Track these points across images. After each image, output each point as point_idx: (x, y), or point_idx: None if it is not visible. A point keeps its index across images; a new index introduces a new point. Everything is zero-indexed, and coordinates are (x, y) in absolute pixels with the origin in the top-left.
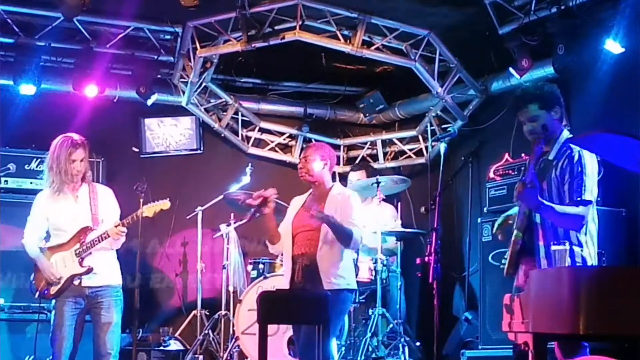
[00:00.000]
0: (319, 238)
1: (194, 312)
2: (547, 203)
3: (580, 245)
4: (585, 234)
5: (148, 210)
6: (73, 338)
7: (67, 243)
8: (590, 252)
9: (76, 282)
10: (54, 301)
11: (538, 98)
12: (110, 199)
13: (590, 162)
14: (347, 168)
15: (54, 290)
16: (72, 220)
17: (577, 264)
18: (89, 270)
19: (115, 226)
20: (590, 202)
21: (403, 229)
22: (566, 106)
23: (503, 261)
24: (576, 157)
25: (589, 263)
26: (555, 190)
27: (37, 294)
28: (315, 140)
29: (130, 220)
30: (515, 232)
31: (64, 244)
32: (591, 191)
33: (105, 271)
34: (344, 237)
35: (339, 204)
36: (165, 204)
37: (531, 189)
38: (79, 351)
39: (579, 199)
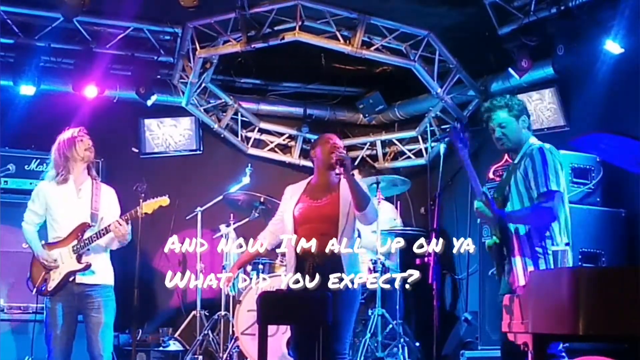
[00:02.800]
0: (336, 233)
1: (193, 312)
2: (501, 211)
3: (545, 253)
4: (558, 223)
5: (147, 206)
6: (67, 336)
7: (64, 239)
8: (562, 240)
9: (71, 279)
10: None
11: (507, 106)
12: (112, 198)
13: (551, 156)
14: None
15: (51, 286)
16: (71, 214)
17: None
18: (87, 267)
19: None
20: (556, 191)
21: (402, 229)
22: (566, 107)
23: (492, 270)
24: (535, 152)
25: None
26: (522, 188)
27: (35, 290)
28: None
29: (129, 216)
30: (493, 238)
31: (61, 240)
32: (556, 181)
33: (100, 270)
34: (364, 200)
35: None
36: (164, 200)
37: (485, 202)
38: (74, 350)
39: (544, 189)
